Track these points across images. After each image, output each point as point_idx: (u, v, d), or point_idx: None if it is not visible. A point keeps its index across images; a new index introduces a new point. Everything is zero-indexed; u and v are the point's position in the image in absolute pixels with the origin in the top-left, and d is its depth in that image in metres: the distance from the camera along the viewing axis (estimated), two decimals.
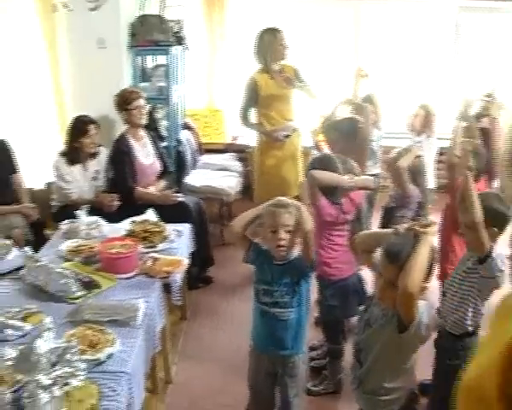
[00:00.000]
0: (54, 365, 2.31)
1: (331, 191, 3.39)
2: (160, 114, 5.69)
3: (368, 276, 3.38)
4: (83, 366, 2.32)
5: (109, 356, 2.48)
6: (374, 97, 4.81)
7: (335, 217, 3.39)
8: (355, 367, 2.60)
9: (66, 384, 2.17)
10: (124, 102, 4.70)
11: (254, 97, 4.88)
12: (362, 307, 2.76)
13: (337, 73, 6.74)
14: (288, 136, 4.90)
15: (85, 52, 5.12)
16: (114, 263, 3.29)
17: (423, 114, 5.07)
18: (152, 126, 5.28)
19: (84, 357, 2.40)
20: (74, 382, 2.18)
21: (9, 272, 3.45)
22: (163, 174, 4.98)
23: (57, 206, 4.79)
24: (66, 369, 2.25)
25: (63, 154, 4.70)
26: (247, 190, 5.99)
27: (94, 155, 4.77)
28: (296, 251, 2.80)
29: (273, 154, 4.96)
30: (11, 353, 2.47)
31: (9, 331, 2.67)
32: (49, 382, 2.15)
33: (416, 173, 3.91)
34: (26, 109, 5.49)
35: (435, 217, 3.22)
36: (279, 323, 2.80)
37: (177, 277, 3.37)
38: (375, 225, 4.28)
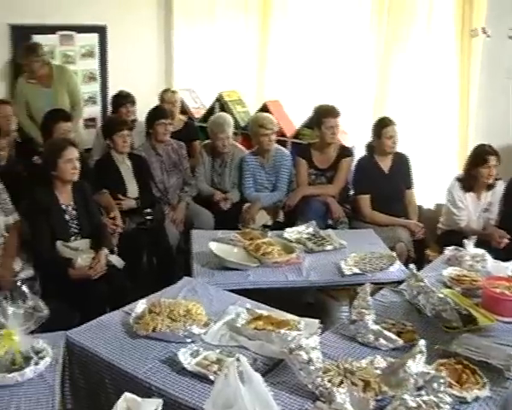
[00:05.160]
0: (419, 389, 2.29)
1: None
2: None
3: None
4: (448, 399, 2.24)
5: (476, 399, 2.36)
6: None
7: None
8: None
9: None
10: None
11: None
12: None
13: None
14: None
15: (493, 81, 4.98)
16: (497, 303, 3.12)
17: None
18: None
19: (451, 391, 2.32)
20: None
21: (388, 283, 3.56)
22: None
23: (443, 229, 4.80)
24: (432, 397, 2.21)
25: (459, 179, 4.68)
26: None
27: (490, 187, 4.65)
28: None
29: None
30: (381, 362, 2.55)
31: (383, 341, 2.74)
32: (414, 405, 2.15)
33: None
34: (430, 129, 5.59)
35: None
36: None
37: None
38: None
